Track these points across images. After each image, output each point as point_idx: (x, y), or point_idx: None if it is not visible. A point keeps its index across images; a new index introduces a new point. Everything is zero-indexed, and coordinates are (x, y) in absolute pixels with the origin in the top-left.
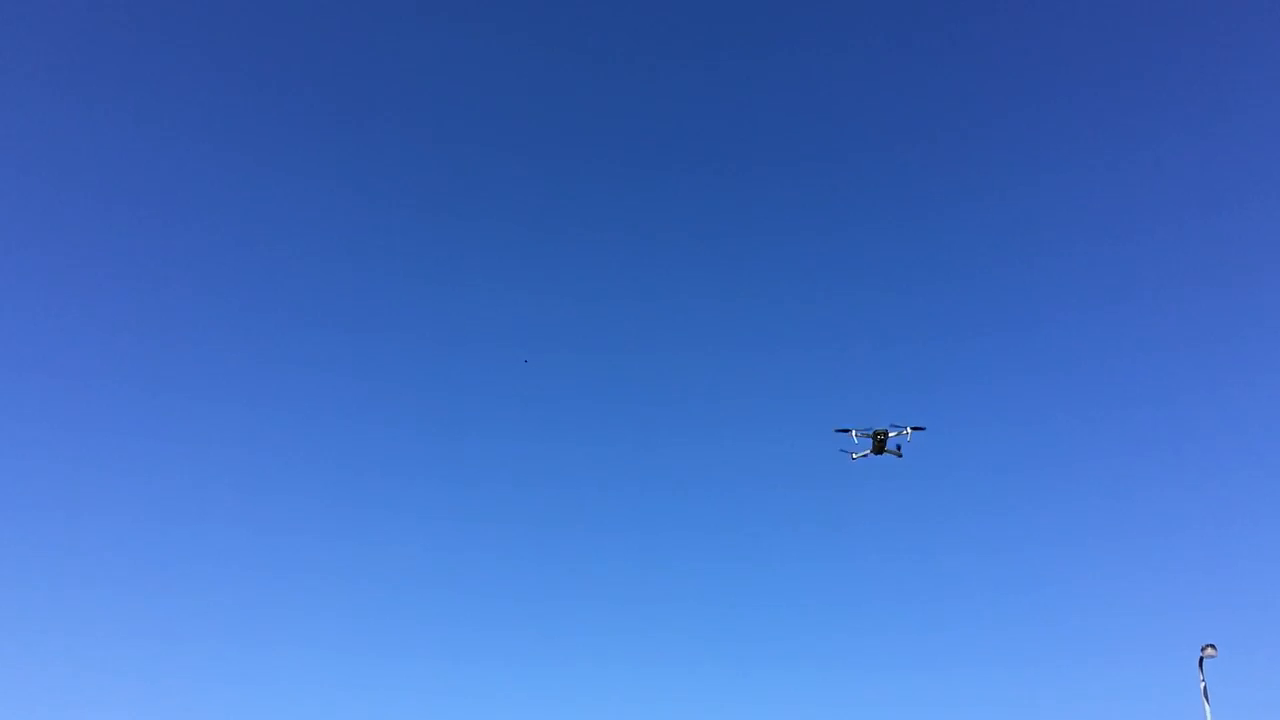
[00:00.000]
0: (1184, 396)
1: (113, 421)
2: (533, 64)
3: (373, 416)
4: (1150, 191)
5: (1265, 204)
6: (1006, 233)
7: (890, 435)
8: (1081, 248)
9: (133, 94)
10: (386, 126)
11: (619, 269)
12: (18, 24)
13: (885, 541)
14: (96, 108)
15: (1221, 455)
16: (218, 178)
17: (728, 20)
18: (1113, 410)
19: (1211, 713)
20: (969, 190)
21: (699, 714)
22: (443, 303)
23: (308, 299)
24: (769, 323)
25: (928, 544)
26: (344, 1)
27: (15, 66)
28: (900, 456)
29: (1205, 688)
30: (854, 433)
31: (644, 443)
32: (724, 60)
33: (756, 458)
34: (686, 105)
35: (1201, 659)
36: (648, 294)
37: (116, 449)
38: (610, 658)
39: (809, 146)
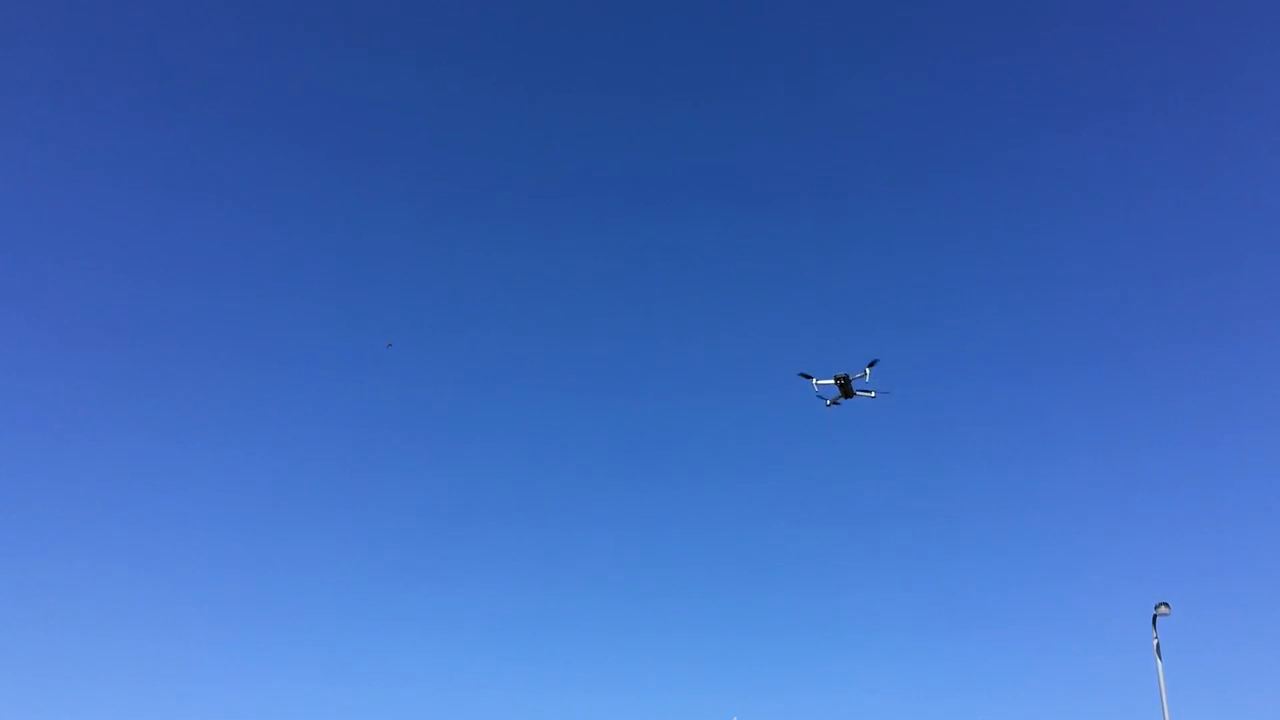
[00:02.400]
0: (1142, 367)
1: (117, 425)
2: (530, 102)
3: (379, 446)
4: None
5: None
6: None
7: (854, 377)
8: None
9: (129, 97)
10: (390, 161)
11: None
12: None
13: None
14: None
15: (1176, 418)
16: (218, 185)
17: (726, 55)
18: (1067, 382)
19: (1164, 669)
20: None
21: None
22: (450, 327)
23: (314, 311)
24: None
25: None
26: (338, 37)
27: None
28: (874, 396)
29: (1158, 645)
30: (815, 381)
31: (646, 452)
32: (722, 95)
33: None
34: (702, 141)
35: (1155, 617)
36: (654, 322)
37: (121, 452)
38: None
39: (823, 179)
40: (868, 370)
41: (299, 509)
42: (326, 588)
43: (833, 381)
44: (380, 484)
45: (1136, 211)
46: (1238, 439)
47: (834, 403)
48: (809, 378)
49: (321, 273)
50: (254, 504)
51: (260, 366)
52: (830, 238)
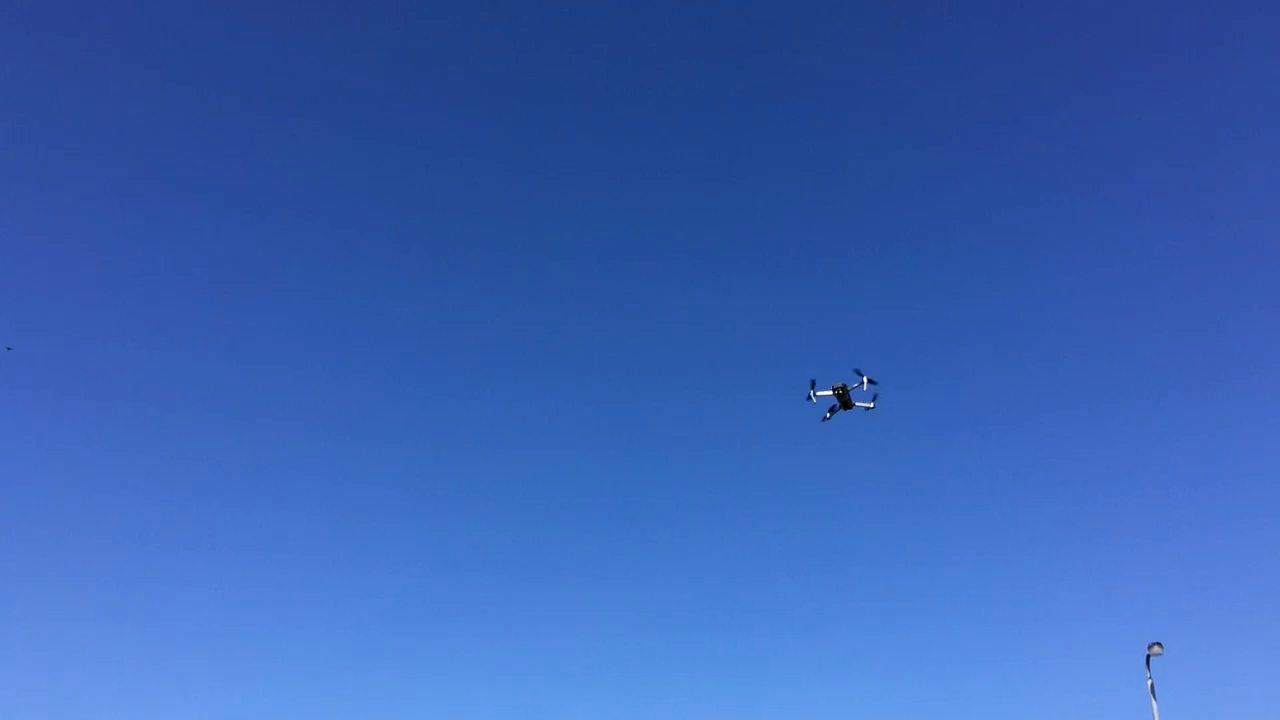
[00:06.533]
0: (1134, 401)
1: (118, 430)
2: (526, 73)
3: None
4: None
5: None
6: (1013, 244)
7: (851, 388)
8: (1079, 261)
9: (120, 97)
10: (379, 136)
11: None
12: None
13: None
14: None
15: (1171, 458)
16: (210, 184)
17: (726, 25)
18: (1067, 414)
19: (1158, 710)
20: (972, 204)
21: None
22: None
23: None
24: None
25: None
26: (330, 14)
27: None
28: (872, 408)
29: (1152, 685)
30: (812, 394)
31: (638, 453)
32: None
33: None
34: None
35: (1149, 656)
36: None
37: (121, 457)
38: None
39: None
40: (865, 381)
41: (292, 514)
42: (317, 593)
43: (831, 392)
44: (373, 489)
45: (1138, 247)
46: (1233, 476)
47: (831, 414)
48: (810, 399)
49: (314, 274)
50: (246, 510)
51: (253, 369)
52: (826, 241)
